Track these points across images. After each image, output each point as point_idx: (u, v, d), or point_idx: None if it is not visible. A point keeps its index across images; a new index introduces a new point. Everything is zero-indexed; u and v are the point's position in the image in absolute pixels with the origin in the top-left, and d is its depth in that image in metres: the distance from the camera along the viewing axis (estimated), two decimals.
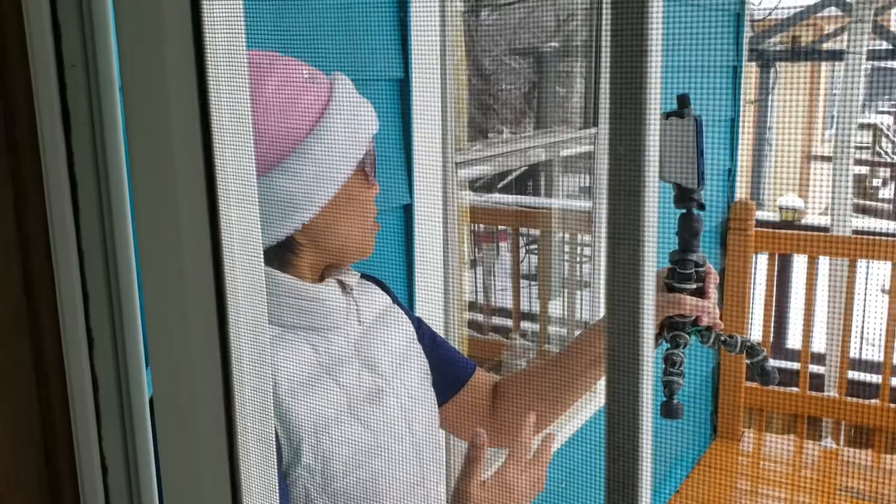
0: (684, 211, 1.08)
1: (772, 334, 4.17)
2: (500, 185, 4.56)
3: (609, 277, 0.45)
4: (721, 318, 1.13)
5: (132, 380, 0.63)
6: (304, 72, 1.02)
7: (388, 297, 1.20)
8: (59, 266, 0.63)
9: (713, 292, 1.11)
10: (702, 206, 1.08)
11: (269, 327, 1.00)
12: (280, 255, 1.03)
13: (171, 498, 0.62)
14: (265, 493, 0.62)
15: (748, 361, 1.12)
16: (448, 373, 1.24)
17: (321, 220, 1.02)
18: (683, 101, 1.03)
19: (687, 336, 1.10)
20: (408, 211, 2.02)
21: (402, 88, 1.95)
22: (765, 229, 4.00)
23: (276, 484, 0.64)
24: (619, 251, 0.45)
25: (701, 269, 1.10)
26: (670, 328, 1.11)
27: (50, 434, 0.63)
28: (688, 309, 1.08)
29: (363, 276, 1.17)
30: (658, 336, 1.12)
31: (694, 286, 1.10)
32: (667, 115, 1.03)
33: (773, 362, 1.13)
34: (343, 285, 1.08)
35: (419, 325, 1.23)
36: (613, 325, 0.46)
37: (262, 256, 0.64)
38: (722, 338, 1.11)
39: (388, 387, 1.08)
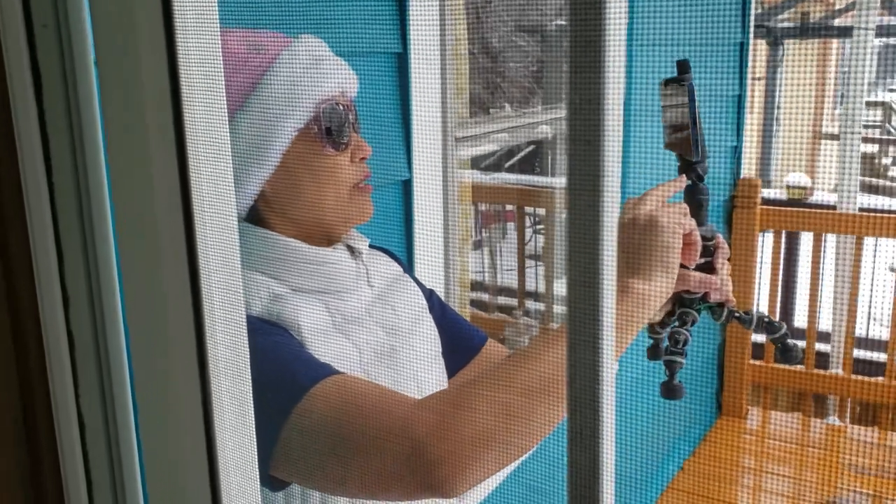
0: (689, 182, 1.03)
1: (778, 312, 4.16)
2: (506, 165, 4.54)
3: (569, 234, 0.45)
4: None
5: (109, 336, 0.63)
6: (252, 38, 1.00)
7: (399, 267, 1.20)
8: (34, 226, 0.63)
9: (722, 266, 1.06)
10: (700, 178, 1.04)
11: (280, 287, 1.00)
12: (259, 223, 1.02)
13: (150, 452, 0.62)
14: (241, 444, 0.62)
15: (768, 338, 1.07)
16: (459, 343, 1.23)
17: (276, 189, 1.00)
18: (683, 66, 0.98)
19: (695, 313, 1.05)
20: (407, 186, 2.01)
21: (400, 62, 1.93)
22: (771, 207, 3.97)
23: (253, 438, 0.65)
24: (578, 204, 0.45)
25: (709, 242, 1.05)
26: (680, 304, 1.06)
27: (28, 391, 0.64)
28: (692, 284, 1.03)
29: (372, 246, 1.17)
30: (670, 314, 1.08)
31: (702, 261, 1.04)
32: (666, 83, 0.99)
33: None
34: (352, 250, 1.09)
35: (430, 295, 1.23)
36: (574, 287, 0.46)
37: (234, 212, 0.64)
38: (736, 314, 1.06)
39: (402, 347, 1.08)
